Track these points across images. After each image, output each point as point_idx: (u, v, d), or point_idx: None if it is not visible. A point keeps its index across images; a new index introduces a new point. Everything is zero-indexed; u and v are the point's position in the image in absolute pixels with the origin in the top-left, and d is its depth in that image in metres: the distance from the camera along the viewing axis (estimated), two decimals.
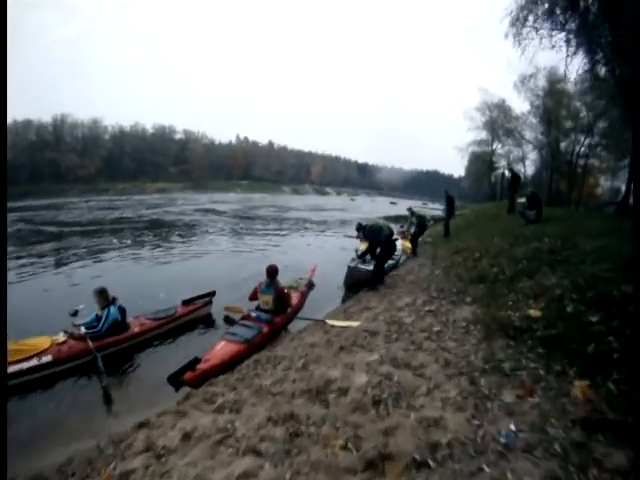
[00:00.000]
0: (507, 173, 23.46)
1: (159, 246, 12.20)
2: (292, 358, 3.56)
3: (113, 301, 4.68)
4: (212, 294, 5.92)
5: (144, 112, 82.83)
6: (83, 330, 4.40)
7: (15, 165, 48.53)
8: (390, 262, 7.78)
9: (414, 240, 10.06)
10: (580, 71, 6.77)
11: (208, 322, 5.69)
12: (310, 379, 2.84)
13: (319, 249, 12.66)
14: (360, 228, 6.81)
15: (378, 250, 6.63)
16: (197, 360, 3.82)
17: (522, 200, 18.69)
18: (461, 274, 5.49)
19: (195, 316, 5.60)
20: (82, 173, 55.40)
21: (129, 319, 4.90)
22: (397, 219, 16.27)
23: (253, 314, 5.12)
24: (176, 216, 21.93)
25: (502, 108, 30.43)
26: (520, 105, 30.33)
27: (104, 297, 4.63)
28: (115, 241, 12.91)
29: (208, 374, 3.74)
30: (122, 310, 4.72)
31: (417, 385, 2.36)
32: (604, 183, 27.96)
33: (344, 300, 6.70)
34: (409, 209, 11.16)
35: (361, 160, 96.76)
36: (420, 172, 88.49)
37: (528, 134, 29.00)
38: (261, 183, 70.67)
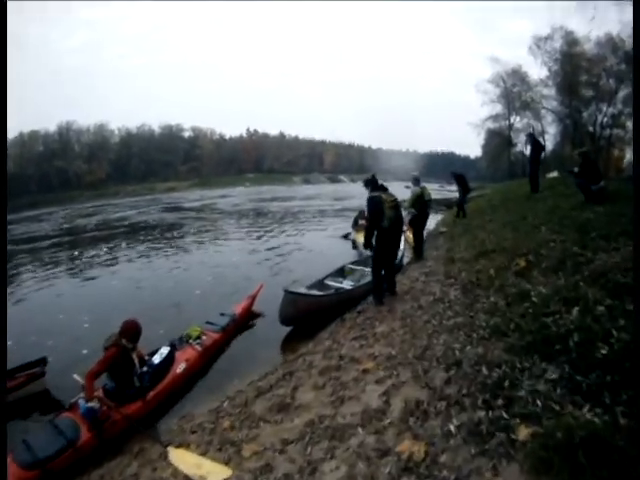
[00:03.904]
0: (526, 142, 19.65)
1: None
2: None
3: None
4: (42, 362, 3.65)
5: (153, 114, 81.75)
6: None
7: (24, 176, 47.94)
8: None
9: (416, 231, 6.69)
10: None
11: (41, 404, 3.38)
12: None
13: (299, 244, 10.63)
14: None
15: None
16: None
17: (553, 175, 14.77)
18: (498, 309, 2.74)
19: (16, 397, 3.35)
20: (91, 179, 54.85)
21: None
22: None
23: (81, 402, 2.76)
24: (146, 217, 20.32)
25: (518, 75, 27.26)
26: (537, 73, 26.91)
27: None
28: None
29: None
30: None
31: None
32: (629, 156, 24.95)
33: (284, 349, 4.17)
34: (414, 177, 7.23)
35: (375, 146, 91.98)
36: (435, 154, 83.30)
37: (546, 104, 26.17)
38: (270, 175, 68.32)
